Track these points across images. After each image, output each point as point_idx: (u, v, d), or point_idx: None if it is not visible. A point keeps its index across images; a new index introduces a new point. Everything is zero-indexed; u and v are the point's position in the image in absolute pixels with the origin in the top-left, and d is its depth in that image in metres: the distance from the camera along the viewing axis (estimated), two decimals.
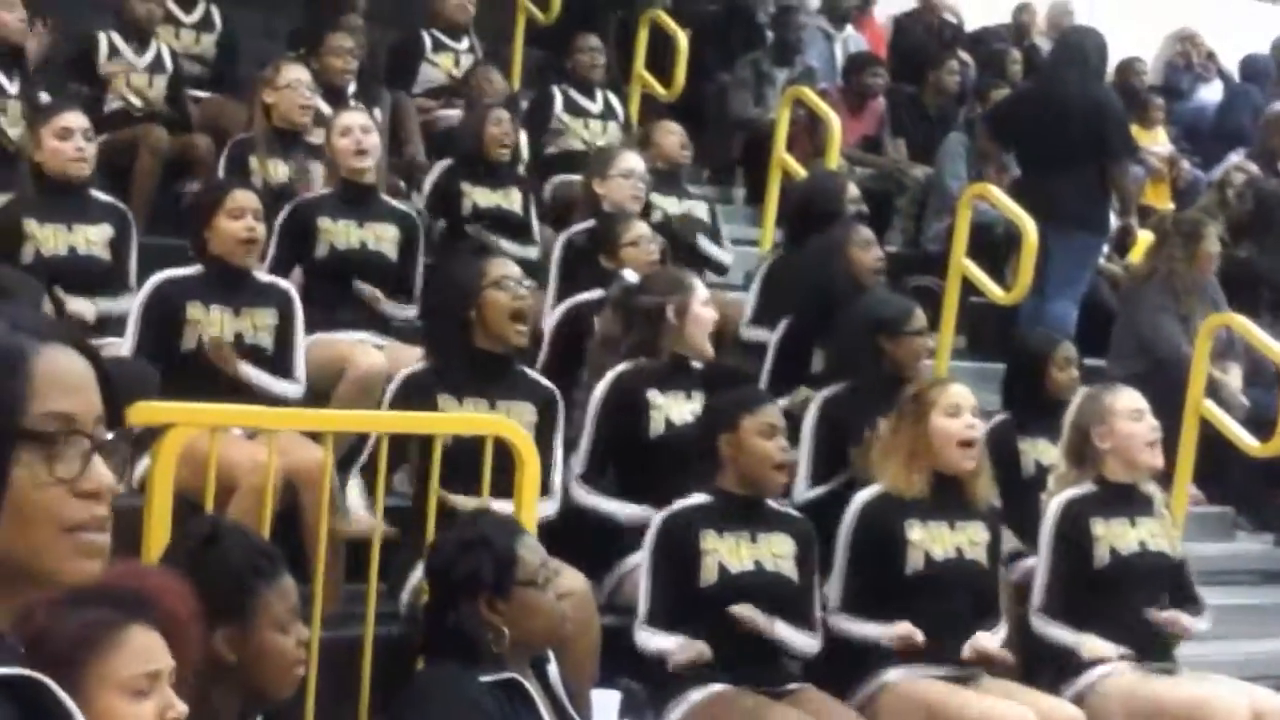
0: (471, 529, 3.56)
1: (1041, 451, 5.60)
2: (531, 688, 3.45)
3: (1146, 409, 5.00)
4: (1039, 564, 4.95)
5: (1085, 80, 7.52)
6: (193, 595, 2.49)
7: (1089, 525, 4.90)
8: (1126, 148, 7.70)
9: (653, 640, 4.35)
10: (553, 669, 3.60)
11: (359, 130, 5.82)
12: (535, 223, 6.78)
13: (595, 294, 5.65)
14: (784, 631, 4.43)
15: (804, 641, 4.51)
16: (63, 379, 1.54)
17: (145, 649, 2.23)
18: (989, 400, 5.89)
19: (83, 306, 5.12)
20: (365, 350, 5.37)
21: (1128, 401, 4.99)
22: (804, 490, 5.13)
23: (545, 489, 4.43)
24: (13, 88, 6.15)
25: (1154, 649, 4.89)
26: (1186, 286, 7.05)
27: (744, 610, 4.34)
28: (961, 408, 4.66)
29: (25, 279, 3.21)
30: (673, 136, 7.19)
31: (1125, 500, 4.98)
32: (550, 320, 5.65)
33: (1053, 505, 4.95)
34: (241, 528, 3.04)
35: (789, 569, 4.50)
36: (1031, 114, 7.71)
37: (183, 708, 2.23)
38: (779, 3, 10.24)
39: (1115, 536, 4.92)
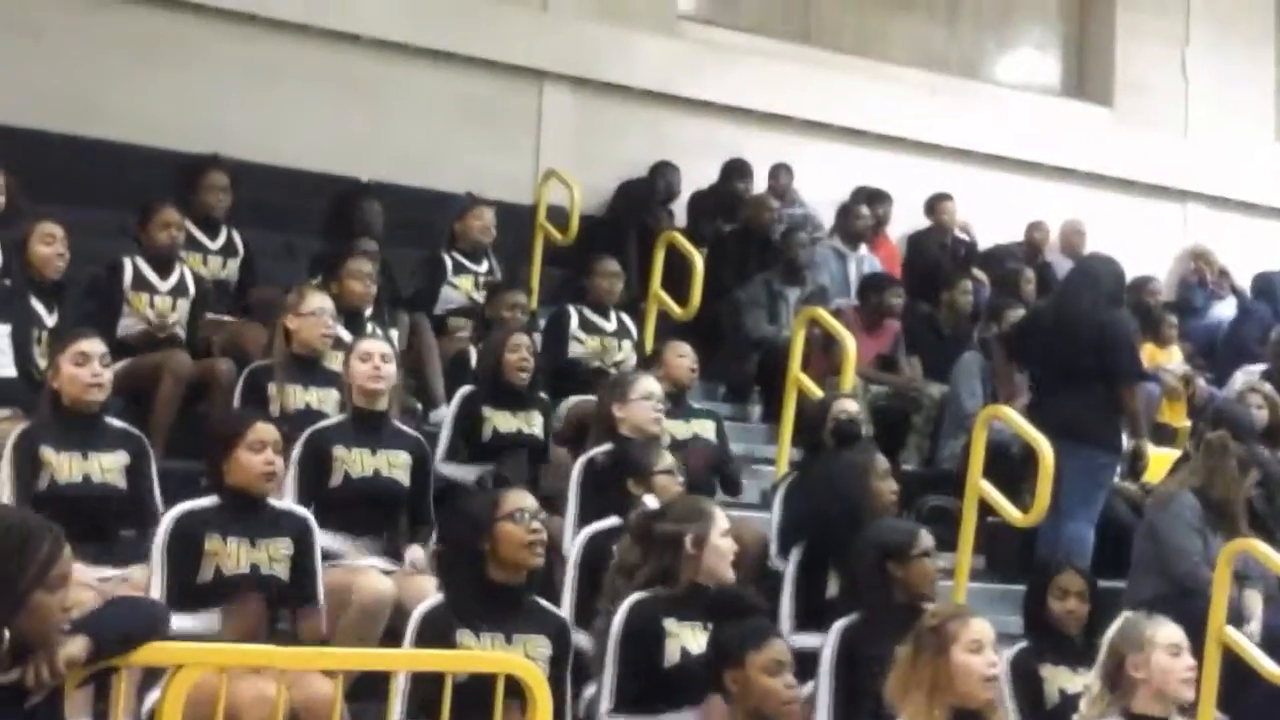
0: None
1: (1064, 679, 5.55)
2: None
3: (1185, 645, 4.93)
4: None
5: (1096, 304, 7.58)
6: None
7: None
8: (1135, 371, 7.72)
9: None
10: None
11: (378, 357, 5.90)
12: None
13: (615, 521, 5.65)
14: None
15: None
16: None
17: None
18: (1007, 623, 5.84)
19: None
20: (371, 577, 5.36)
21: (1168, 635, 4.92)
22: None
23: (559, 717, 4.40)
24: (51, 319, 6.23)
25: None
26: (1211, 506, 7.00)
27: None
28: (983, 644, 4.60)
29: (44, 525, 3.21)
30: (683, 359, 7.24)
31: None
32: (573, 550, 5.63)
33: None
34: None
35: None
36: (1044, 335, 7.77)
37: None
38: (787, 221, 10.42)
39: None
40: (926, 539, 5.40)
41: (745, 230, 10.25)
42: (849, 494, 6.04)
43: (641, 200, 10.53)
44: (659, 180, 10.69)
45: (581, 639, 5.19)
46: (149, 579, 4.78)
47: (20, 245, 6.42)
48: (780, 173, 11.16)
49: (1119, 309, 7.79)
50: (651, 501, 5.51)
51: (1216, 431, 7.10)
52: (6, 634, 3.11)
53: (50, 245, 6.36)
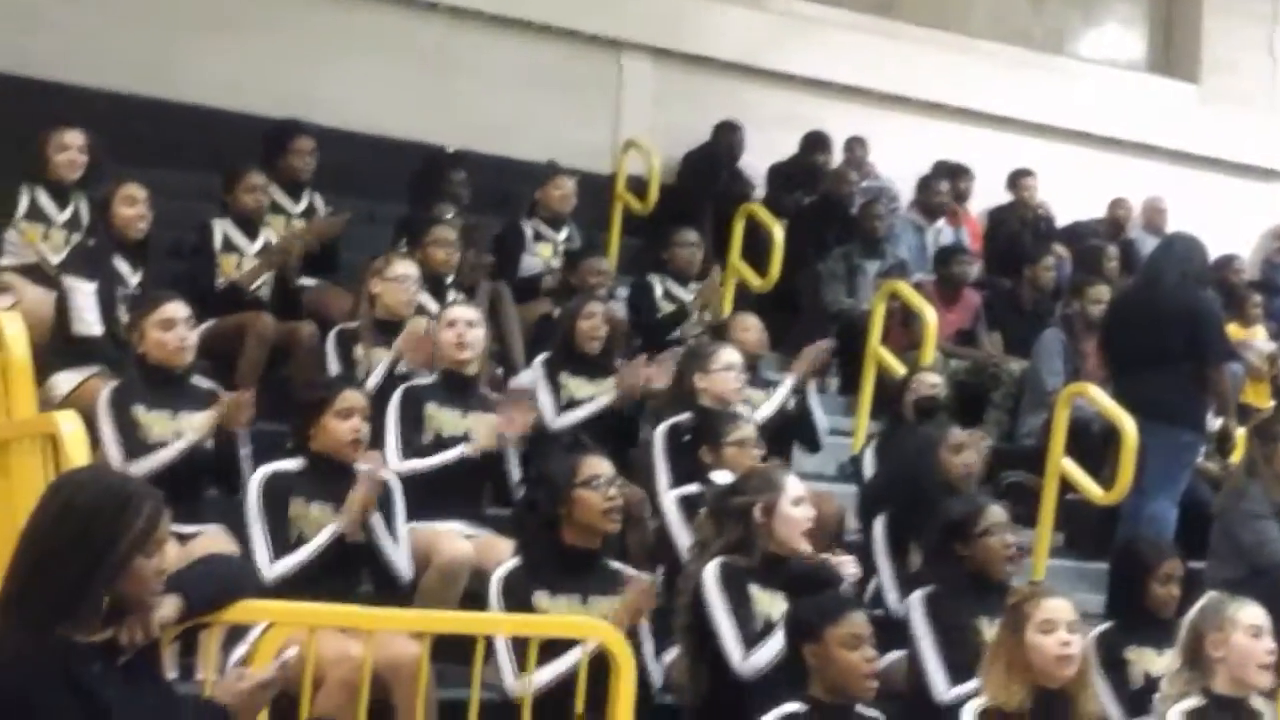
0: None
1: (1150, 661, 5.48)
2: None
3: (1268, 628, 4.87)
4: None
5: (1182, 283, 7.50)
6: None
7: None
8: (1222, 350, 7.63)
9: None
10: None
11: (463, 324, 5.95)
12: None
13: (695, 488, 5.67)
14: None
15: None
16: None
17: None
18: (1087, 600, 5.79)
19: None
20: (451, 539, 5.39)
21: (1249, 616, 4.86)
22: (943, 689, 5.05)
23: None
24: (135, 278, 6.29)
25: None
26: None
27: None
28: (1056, 623, 4.53)
29: (145, 489, 3.23)
30: (750, 332, 7.19)
31: (1233, 716, 4.83)
32: (670, 513, 5.66)
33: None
34: None
35: None
36: (1128, 314, 7.69)
37: None
38: (864, 194, 10.36)
39: None
40: (993, 514, 5.35)
41: (824, 202, 10.21)
42: (921, 468, 6.01)
43: (708, 166, 10.51)
44: (721, 142, 10.65)
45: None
46: (250, 537, 4.82)
47: (104, 206, 6.47)
48: (856, 145, 11.11)
49: (1205, 288, 7.69)
50: (722, 476, 5.50)
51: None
52: (104, 594, 3.14)
53: (133, 206, 6.41)
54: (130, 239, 6.41)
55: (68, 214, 6.79)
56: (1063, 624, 4.57)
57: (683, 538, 5.53)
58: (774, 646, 4.73)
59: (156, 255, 6.80)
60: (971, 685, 4.77)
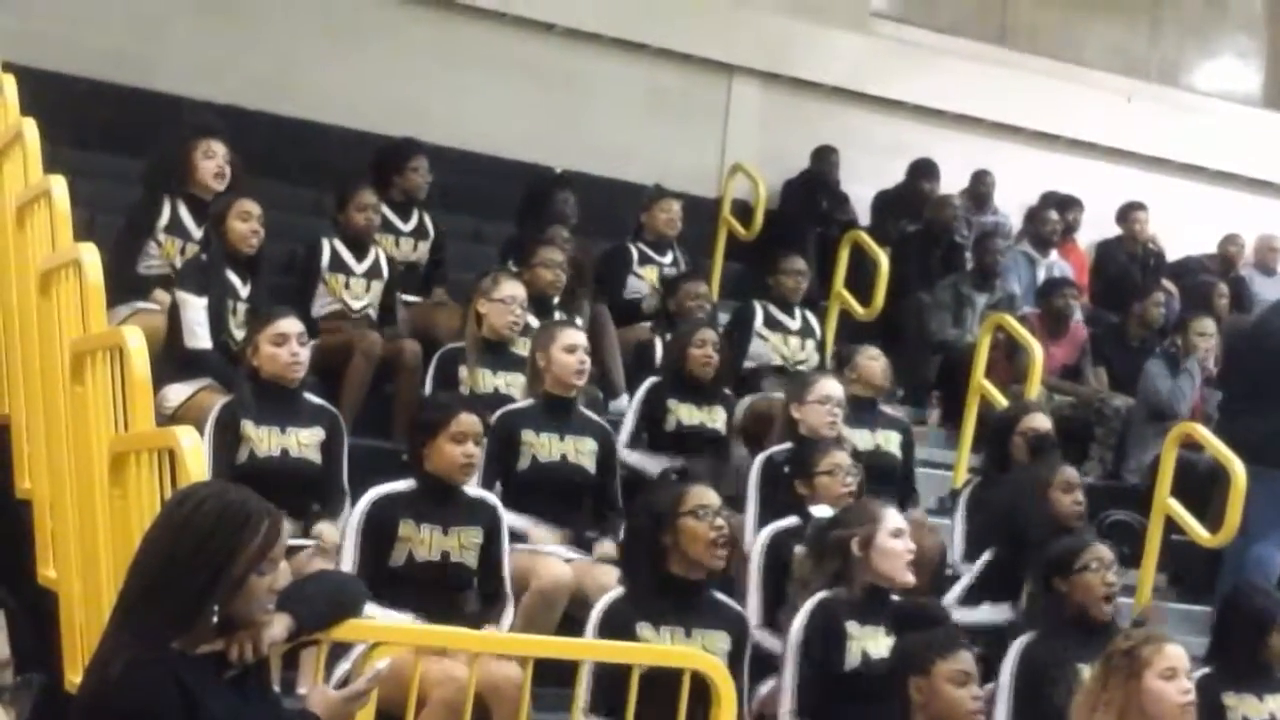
0: None
1: (1250, 707, 5.43)
2: None
3: None
4: None
5: None
6: None
7: None
8: None
9: None
10: None
11: (583, 350, 5.95)
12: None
13: (791, 520, 5.66)
14: None
15: None
16: None
17: None
18: (1189, 644, 5.69)
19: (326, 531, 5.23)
20: (550, 563, 5.40)
21: None
22: None
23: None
24: (245, 291, 6.38)
25: None
26: None
27: None
28: (1178, 671, 4.51)
29: (264, 507, 3.27)
30: (876, 363, 7.10)
31: None
32: (755, 548, 5.64)
33: None
34: None
35: None
36: (1236, 354, 7.60)
37: None
38: (980, 228, 10.30)
39: None
40: (1095, 552, 5.30)
41: (928, 230, 10.16)
42: (1029, 507, 5.96)
43: (807, 192, 10.50)
44: (819, 167, 10.66)
45: (760, 635, 5.21)
46: (341, 549, 4.87)
47: (219, 220, 6.57)
48: (982, 177, 11.05)
49: None
50: (821, 511, 5.48)
51: None
52: (216, 608, 3.18)
53: (246, 222, 6.48)
54: (243, 254, 6.50)
55: (204, 230, 6.87)
56: (1183, 671, 4.53)
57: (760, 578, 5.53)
58: None
59: (266, 268, 6.89)
60: None
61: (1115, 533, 7.48)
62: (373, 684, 3.36)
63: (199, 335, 6.11)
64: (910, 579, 5.09)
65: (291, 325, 5.52)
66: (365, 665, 3.74)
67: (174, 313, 6.17)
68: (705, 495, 4.84)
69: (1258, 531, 7.19)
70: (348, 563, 4.82)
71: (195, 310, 6.14)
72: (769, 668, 5.09)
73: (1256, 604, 5.69)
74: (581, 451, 5.88)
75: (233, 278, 6.39)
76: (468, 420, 5.02)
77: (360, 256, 7.15)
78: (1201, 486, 7.56)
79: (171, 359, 6.05)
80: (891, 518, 5.14)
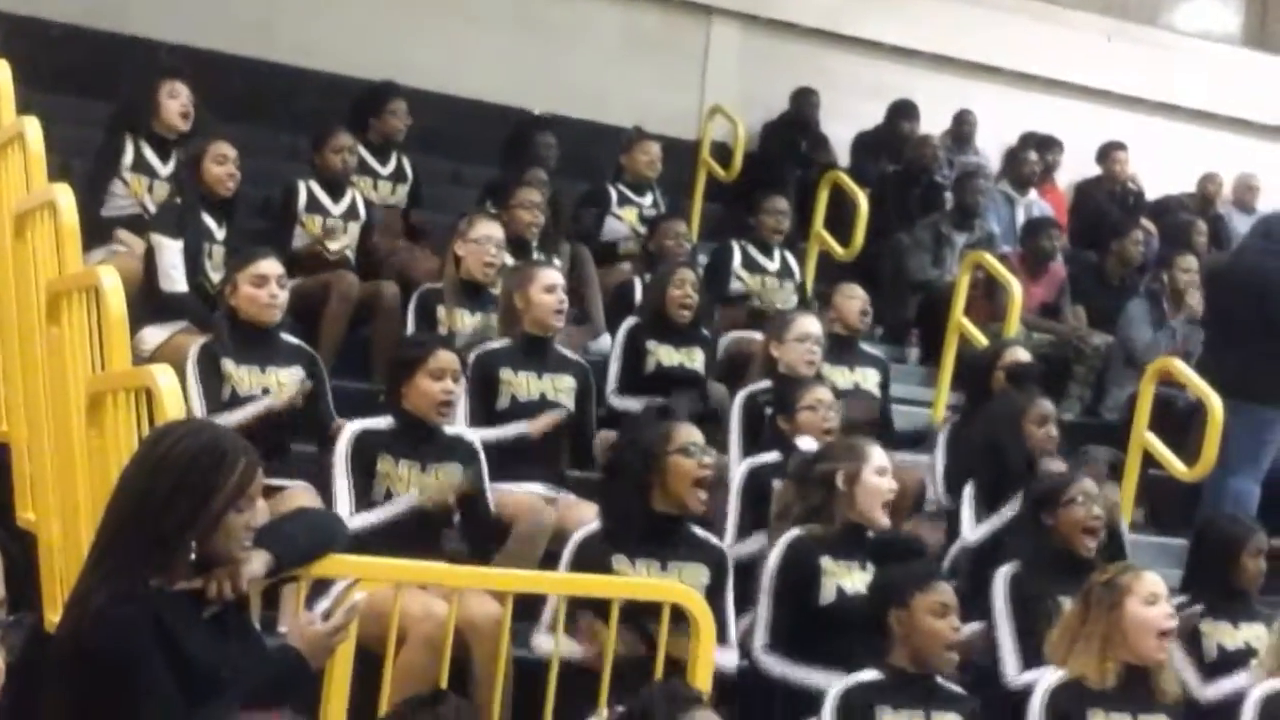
0: (640, 699, 3.52)
1: (1225, 634, 5.51)
2: None
3: None
4: None
5: (1261, 258, 7.43)
6: None
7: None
8: None
9: None
10: None
11: (561, 290, 5.96)
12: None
13: (773, 456, 5.68)
14: None
15: None
16: None
17: None
18: (1167, 576, 5.75)
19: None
20: (532, 501, 5.42)
21: None
22: (1014, 674, 5.05)
23: (723, 639, 4.49)
24: (220, 233, 6.37)
25: None
26: None
27: None
28: (1159, 596, 4.57)
29: (241, 445, 3.28)
30: (854, 301, 7.14)
31: None
32: (734, 482, 5.66)
33: (1254, 694, 4.79)
34: (466, 705, 3.02)
35: None
36: (1213, 290, 7.63)
37: None
38: (961, 168, 10.29)
39: None
40: (1082, 486, 5.33)
41: (907, 170, 10.15)
42: (1007, 438, 5.99)
43: (787, 133, 10.47)
44: (798, 108, 10.65)
45: (735, 548, 5.27)
46: (333, 490, 4.87)
47: (194, 162, 6.56)
48: (966, 117, 11.04)
49: None
50: (807, 444, 5.51)
51: None
52: (194, 546, 3.19)
53: (222, 165, 6.48)
54: (219, 196, 6.50)
55: (170, 168, 6.87)
56: (1164, 597, 4.59)
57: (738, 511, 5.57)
58: (800, 675, 4.79)
59: (242, 212, 6.88)
60: (1042, 673, 4.74)
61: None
62: (350, 616, 3.37)
63: (174, 278, 6.12)
64: (885, 521, 5.12)
65: (272, 267, 5.52)
66: (347, 600, 3.76)
67: (150, 256, 6.17)
68: (693, 433, 4.83)
69: (1235, 465, 7.24)
70: (341, 495, 4.82)
71: (171, 253, 6.14)
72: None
73: (1225, 529, 5.76)
74: (560, 390, 5.89)
75: (208, 221, 6.39)
76: (446, 357, 5.02)
77: (337, 198, 7.16)
78: (1180, 423, 7.62)
79: (148, 302, 6.05)
80: (877, 455, 5.16)
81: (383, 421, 5.02)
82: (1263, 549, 5.61)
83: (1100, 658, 4.53)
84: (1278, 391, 7.45)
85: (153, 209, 6.69)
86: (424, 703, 3.04)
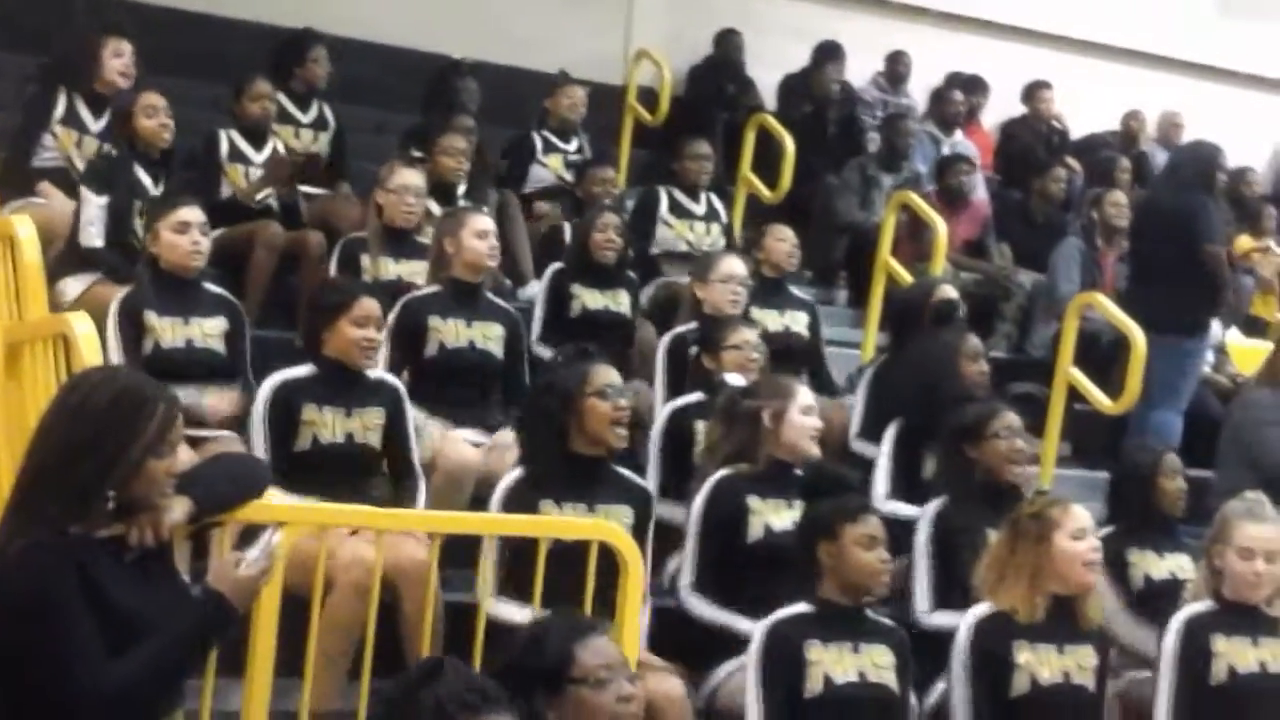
0: (538, 626, 3.52)
1: (1151, 564, 5.57)
2: None
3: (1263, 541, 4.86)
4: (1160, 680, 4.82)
5: (1175, 190, 7.50)
6: None
7: (1209, 643, 4.78)
8: (1210, 234, 7.56)
9: None
10: None
11: (493, 236, 5.95)
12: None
13: (697, 396, 5.70)
14: None
15: None
16: None
17: None
18: (1094, 509, 5.82)
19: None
20: (456, 444, 5.41)
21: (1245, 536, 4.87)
22: (926, 609, 5.12)
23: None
24: (156, 190, 6.32)
25: None
26: None
27: None
28: (1086, 530, 4.60)
29: (159, 390, 3.25)
30: (783, 244, 7.13)
31: (1249, 620, 4.85)
32: (658, 423, 5.68)
33: (1173, 623, 4.85)
34: (463, 667, 2.98)
35: (890, 680, 4.44)
36: (1136, 224, 7.71)
37: None
38: (891, 109, 10.30)
39: (1235, 655, 4.79)
40: (1005, 418, 5.36)
41: (818, 112, 10.15)
42: (942, 374, 6.03)
43: (713, 77, 10.46)
44: (723, 51, 10.63)
45: (663, 509, 5.25)
46: (250, 444, 4.85)
47: (125, 117, 6.49)
48: (900, 58, 11.05)
49: (1200, 192, 7.61)
50: (734, 380, 5.53)
51: None
52: (113, 493, 3.17)
53: (154, 117, 6.44)
54: (156, 149, 6.44)
55: (102, 123, 6.78)
56: (1090, 529, 4.63)
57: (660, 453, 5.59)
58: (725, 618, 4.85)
59: (178, 165, 6.83)
60: (951, 617, 4.80)
61: (1020, 405, 7.57)
62: (270, 556, 3.35)
63: (91, 234, 6.12)
64: (815, 451, 5.14)
65: (194, 214, 5.47)
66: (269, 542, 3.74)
67: (77, 210, 6.12)
68: (609, 374, 4.82)
69: (1159, 398, 7.35)
70: (259, 451, 4.79)
71: (92, 208, 6.13)
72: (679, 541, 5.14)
73: (1139, 457, 5.83)
74: (489, 337, 5.88)
75: (143, 176, 6.34)
76: (369, 304, 4.99)
77: (258, 147, 7.13)
78: (1104, 358, 7.69)
79: (70, 255, 6.00)
80: (803, 394, 5.19)
81: (303, 370, 4.98)
82: (1177, 469, 5.68)
83: (1029, 591, 4.57)
84: (1197, 323, 7.57)
85: (80, 164, 6.62)
86: (425, 674, 2.95)
